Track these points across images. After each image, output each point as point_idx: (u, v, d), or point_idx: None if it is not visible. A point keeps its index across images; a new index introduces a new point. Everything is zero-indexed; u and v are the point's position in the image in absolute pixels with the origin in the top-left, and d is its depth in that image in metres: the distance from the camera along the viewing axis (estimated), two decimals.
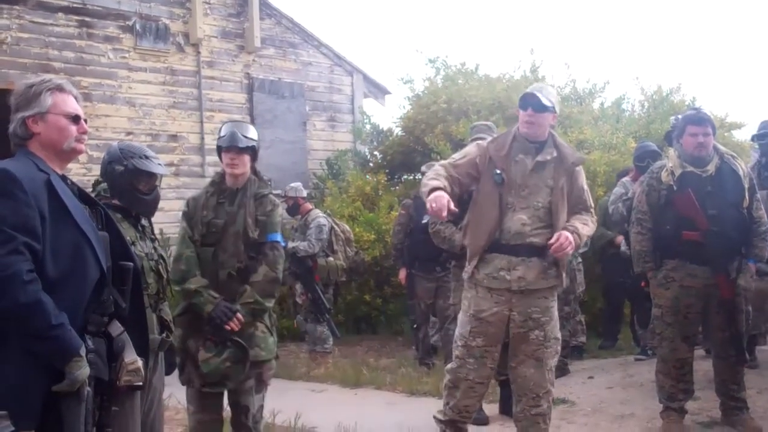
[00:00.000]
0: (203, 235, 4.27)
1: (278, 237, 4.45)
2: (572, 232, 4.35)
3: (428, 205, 4.18)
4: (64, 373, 2.59)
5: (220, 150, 4.40)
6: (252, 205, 4.35)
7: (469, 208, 4.62)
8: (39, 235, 2.64)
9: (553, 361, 4.60)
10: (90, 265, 2.78)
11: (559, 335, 4.61)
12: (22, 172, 2.69)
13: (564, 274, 4.53)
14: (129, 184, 3.76)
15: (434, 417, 4.86)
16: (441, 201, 4.11)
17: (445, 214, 4.14)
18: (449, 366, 4.72)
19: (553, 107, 4.47)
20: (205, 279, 4.25)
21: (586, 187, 4.66)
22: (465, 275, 4.59)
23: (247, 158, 4.37)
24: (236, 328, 4.19)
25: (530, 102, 4.44)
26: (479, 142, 4.71)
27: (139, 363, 2.98)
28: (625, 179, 7.52)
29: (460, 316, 4.66)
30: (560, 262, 4.44)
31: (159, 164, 3.91)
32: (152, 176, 3.83)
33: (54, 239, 2.69)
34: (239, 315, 4.19)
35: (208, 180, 4.70)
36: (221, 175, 4.45)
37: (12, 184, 2.64)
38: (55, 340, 2.59)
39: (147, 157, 3.82)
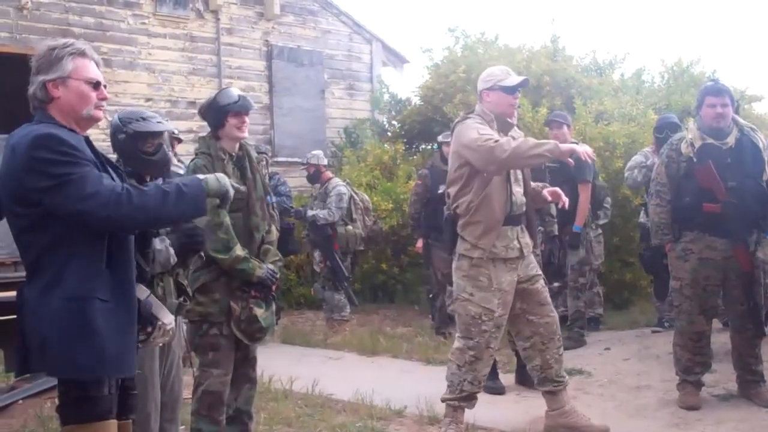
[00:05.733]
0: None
1: (274, 197, 4.67)
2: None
3: (575, 152, 4.55)
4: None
5: (225, 113, 4.23)
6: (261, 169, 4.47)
7: (471, 185, 4.65)
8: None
9: None
10: None
11: None
12: (62, 132, 2.70)
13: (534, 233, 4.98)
14: (134, 149, 3.77)
15: (444, 399, 4.83)
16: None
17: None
18: (470, 343, 4.70)
19: None
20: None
21: None
22: (479, 252, 4.64)
23: None
24: (278, 288, 4.42)
25: (521, 86, 4.74)
26: (476, 119, 4.75)
27: (173, 324, 3.07)
28: (647, 149, 7.48)
29: (479, 293, 4.67)
30: (531, 225, 4.90)
31: (158, 122, 3.87)
32: (154, 135, 3.80)
33: None
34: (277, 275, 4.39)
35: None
36: (216, 140, 4.30)
37: (67, 147, 2.65)
38: (183, 197, 2.82)
39: (144, 119, 3.82)
